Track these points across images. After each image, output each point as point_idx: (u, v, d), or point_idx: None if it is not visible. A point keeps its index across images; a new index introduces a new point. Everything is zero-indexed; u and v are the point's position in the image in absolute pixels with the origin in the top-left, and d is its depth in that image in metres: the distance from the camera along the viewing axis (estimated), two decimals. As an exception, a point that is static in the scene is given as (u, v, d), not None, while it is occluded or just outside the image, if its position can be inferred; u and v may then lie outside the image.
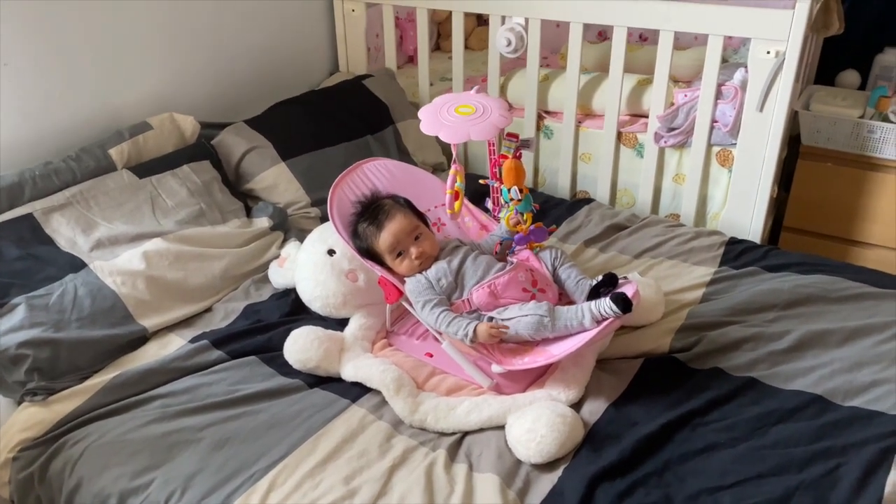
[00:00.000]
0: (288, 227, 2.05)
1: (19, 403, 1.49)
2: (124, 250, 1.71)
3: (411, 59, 2.97)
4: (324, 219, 2.05)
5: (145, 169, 1.90)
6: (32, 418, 1.44)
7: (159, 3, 2.07)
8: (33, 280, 1.58)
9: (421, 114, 1.55)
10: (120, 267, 1.66)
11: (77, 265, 1.64)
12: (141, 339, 1.64)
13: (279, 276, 1.84)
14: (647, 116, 2.29)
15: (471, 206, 1.77)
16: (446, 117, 1.51)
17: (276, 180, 2.11)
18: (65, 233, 1.70)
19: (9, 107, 1.79)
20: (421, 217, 1.66)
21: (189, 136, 2.08)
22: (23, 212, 1.68)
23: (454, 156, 1.54)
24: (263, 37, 2.44)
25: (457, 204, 1.53)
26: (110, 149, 1.88)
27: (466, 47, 2.50)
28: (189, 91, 2.22)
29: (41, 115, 1.86)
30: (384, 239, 1.57)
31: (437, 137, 1.53)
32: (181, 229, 1.82)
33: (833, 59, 2.58)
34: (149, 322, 1.64)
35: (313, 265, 1.73)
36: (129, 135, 1.93)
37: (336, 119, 2.32)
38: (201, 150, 2.05)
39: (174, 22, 2.13)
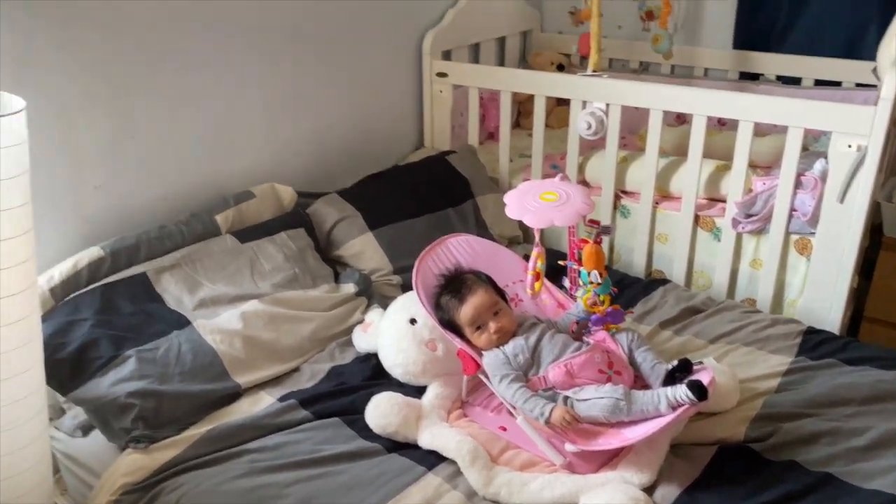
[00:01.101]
0: (371, 294, 2.16)
1: (123, 449, 1.60)
2: (224, 310, 1.84)
3: (492, 136, 3.09)
4: (405, 287, 2.15)
5: (247, 234, 2.06)
6: (135, 464, 1.55)
7: (264, 85, 2.26)
8: (144, 335, 1.72)
9: (506, 199, 1.64)
10: (220, 326, 1.79)
11: (182, 322, 1.78)
12: (234, 395, 1.74)
13: (363, 340, 1.93)
14: (724, 201, 2.32)
15: (548, 284, 1.84)
16: (531, 203, 1.60)
17: (363, 248, 2.24)
18: (173, 292, 1.85)
19: (134, 174, 1.98)
20: (500, 293, 1.74)
21: (287, 205, 2.24)
22: (138, 271, 1.84)
23: (536, 239, 1.62)
24: (357, 115, 2.61)
25: (537, 285, 1.61)
26: (216, 215, 2.05)
27: (546, 125, 2.61)
28: (288, 163, 2.39)
29: (159, 182, 2.05)
30: (465, 312, 1.66)
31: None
32: (276, 292, 1.95)
33: (918, 150, 2.57)
34: (242, 379, 1.75)
35: (396, 333, 1.82)
36: (233, 202, 2.10)
37: (420, 192, 2.45)
38: (297, 218, 2.20)
39: (278, 101, 2.32)
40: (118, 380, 1.62)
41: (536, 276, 1.60)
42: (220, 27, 2.09)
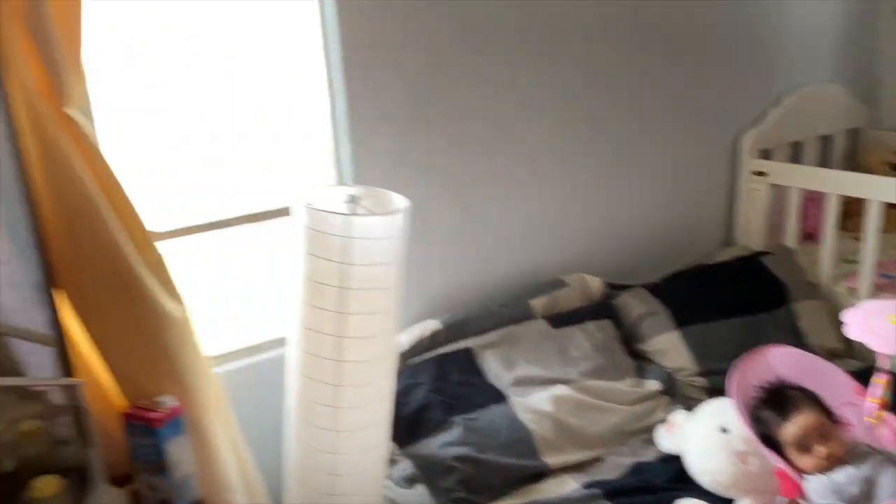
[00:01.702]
0: (675, 393, 2.15)
1: (441, 507, 1.78)
2: (536, 391, 1.97)
3: (810, 237, 2.91)
4: (711, 390, 2.10)
5: (558, 320, 2.19)
6: (450, 523, 1.72)
7: (577, 180, 2.43)
8: (468, 404, 1.91)
9: (847, 317, 1.56)
10: (533, 405, 1.92)
11: (499, 397, 1.94)
12: (541, 473, 1.84)
13: (666, 440, 1.92)
14: None
15: (888, 414, 1.68)
16: (876, 324, 1.50)
17: (668, 346, 2.24)
18: (492, 367, 2.02)
19: (469, 258, 2.24)
20: (829, 414, 1.63)
21: (595, 294, 2.34)
22: (466, 345, 2.06)
23: (884, 365, 1.50)
24: (664, 210, 2.66)
25: (879, 414, 1.48)
26: (532, 300, 2.22)
27: (879, 230, 2.41)
28: (595, 255, 2.51)
29: (487, 265, 2.29)
30: (790, 431, 1.58)
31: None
32: (584, 380, 2.03)
33: None
34: (550, 460, 1.85)
35: (705, 439, 1.79)
36: (548, 289, 2.26)
37: (730, 293, 2.39)
38: (605, 309, 2.29)
39: (588, 199, 2.47)
40: (446, 443, 1.81)
41: (881, 405, 1.48)
42: (542, 127, 2.30)
